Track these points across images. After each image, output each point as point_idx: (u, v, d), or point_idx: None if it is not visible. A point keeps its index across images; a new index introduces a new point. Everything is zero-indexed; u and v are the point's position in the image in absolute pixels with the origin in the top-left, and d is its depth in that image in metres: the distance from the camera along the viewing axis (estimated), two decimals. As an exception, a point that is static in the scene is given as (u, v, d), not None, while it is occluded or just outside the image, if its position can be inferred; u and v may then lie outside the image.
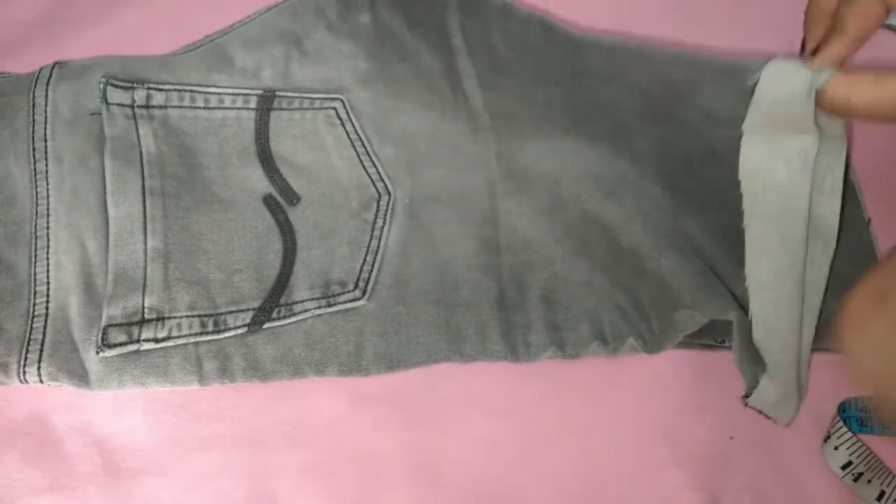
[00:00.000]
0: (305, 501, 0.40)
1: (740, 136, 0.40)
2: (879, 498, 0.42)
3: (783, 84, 0.37)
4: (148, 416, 0.40)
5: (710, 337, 0.44)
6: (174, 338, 0.38)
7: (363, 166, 0.44)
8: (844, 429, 0.43)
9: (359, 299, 0.41)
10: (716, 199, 0.43)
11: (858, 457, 0.42)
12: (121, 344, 0.38)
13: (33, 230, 0.40)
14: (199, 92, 0.43)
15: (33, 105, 0.41)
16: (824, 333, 0.42)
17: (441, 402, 0.42)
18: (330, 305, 0.41)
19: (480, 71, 0.46)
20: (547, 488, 0.42)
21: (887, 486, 0.42)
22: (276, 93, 0.44)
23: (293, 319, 0.40)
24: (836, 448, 0.43)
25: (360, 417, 0.42)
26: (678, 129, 0.44)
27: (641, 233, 0.43)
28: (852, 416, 0.43)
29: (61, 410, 0.40)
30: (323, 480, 0.40)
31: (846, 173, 0.41)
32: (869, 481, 0.42)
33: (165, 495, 0.39)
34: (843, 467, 0.43)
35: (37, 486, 0.39)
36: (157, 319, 0.38)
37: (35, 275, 0.39)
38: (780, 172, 0.39)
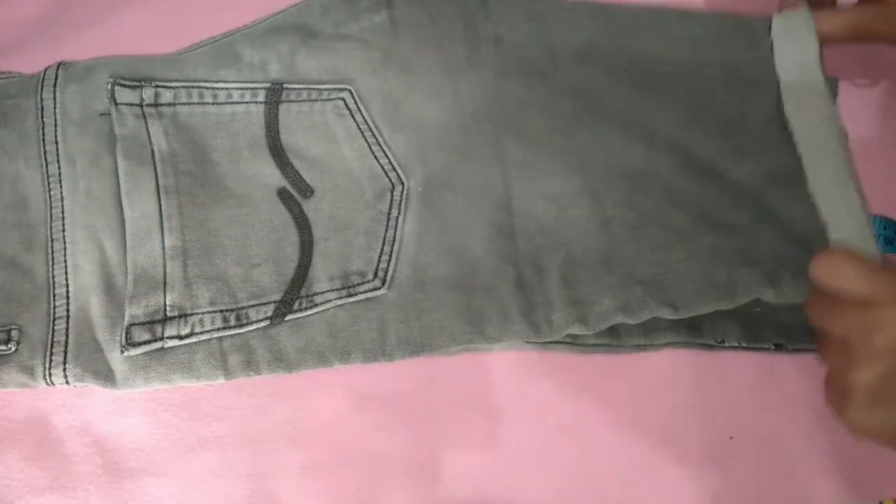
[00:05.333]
0: (305, 501, 0.40)
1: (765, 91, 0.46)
2: None
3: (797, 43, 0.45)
4: (148, 416, 0.40)
5: (710, 336, 0.45)
6: (197, 334, 0.39)
7: (374, 156, 0.44)
8: None
9: (379, 289, 0.41)
10: (738, 156, 0.45)
11: None
12: (145, 342, 0.38)
13: (49, 233, 0.40)
14: (207, 88, 0.43)
15: (41, 107, 0.41)
16: None
17: (441, 402, 0.43)
18: (351, 295, 0.41)
19: (503, 60, 0.46)
20: (547, 488, 0.42)
21: None
22: (284, 85, 0.44)
23: (315, 310, 0.40)
24: None
25: (360, 417, 0.42)
26: (698, 95, 0.46)
27: (668, 220, 0.43)
28: (878, 233, 0.43)
29: (61, 410, 0.40)
30: (323, 480, 0.41)
31: None
32: None
33: (165, 495, 0.39)
34: None
35: (37, 485, 0.39)
36: (180, 316, 0.39)
37: (54, 278, 0.39)
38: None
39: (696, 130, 0.45)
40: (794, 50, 0.45)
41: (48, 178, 0.40)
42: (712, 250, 0.42)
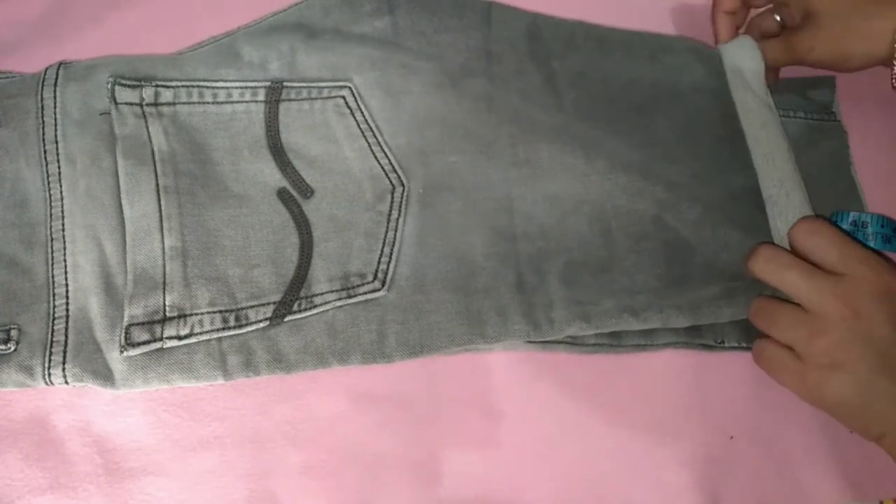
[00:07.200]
0: (306, 501, 0.40)
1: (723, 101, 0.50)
2: None
3: (746, 62, 0.50)
4: (148, 415, 0.40)
5: (710, 337, 0.45)
6: (196, 334, 0.39)
7: (375, 157, 0.44)
8: None
9: (378, 290, 0.42)
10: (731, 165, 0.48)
11: None
12: (144, 342, 0.38)
13: (49, 233, 0.40)
14: (207, 87, 0.43)
15: (42, 107, 0.41)
16: None
17: (441, 402, 0.43)
18: (350, 297, 0.41)
19: (503, 76, 0.47)
20: (547, 488, 0.42)
21: None
22: (284, 83, 0.44)
23: (314, 311, 0.40)
24: None
25: (360, 417, 0.42)
26: (682, 109, 0.49)
27: (665, 233, 0.45)
28: (876, 231, 0.45)
29: (61, 410, 0.40)
30: (323, 480, 0.41)
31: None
32: None
33: (165, 495, 0.39)
34: None
35: (37, 485, 0.39)
36: (179, 317, 0.39)
37: (53, 277, 0.39)
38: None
39: (686, 149, 0.48)
40: (746, 72, 0.49)
41: (48, 177, 0.40)
42: (707, 265, 0.45)
